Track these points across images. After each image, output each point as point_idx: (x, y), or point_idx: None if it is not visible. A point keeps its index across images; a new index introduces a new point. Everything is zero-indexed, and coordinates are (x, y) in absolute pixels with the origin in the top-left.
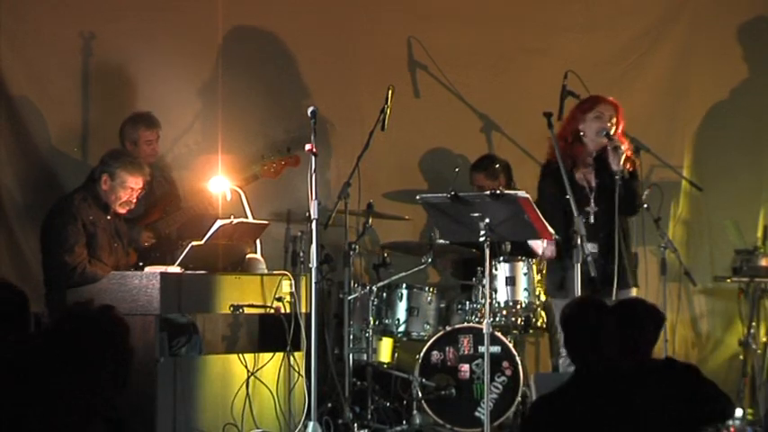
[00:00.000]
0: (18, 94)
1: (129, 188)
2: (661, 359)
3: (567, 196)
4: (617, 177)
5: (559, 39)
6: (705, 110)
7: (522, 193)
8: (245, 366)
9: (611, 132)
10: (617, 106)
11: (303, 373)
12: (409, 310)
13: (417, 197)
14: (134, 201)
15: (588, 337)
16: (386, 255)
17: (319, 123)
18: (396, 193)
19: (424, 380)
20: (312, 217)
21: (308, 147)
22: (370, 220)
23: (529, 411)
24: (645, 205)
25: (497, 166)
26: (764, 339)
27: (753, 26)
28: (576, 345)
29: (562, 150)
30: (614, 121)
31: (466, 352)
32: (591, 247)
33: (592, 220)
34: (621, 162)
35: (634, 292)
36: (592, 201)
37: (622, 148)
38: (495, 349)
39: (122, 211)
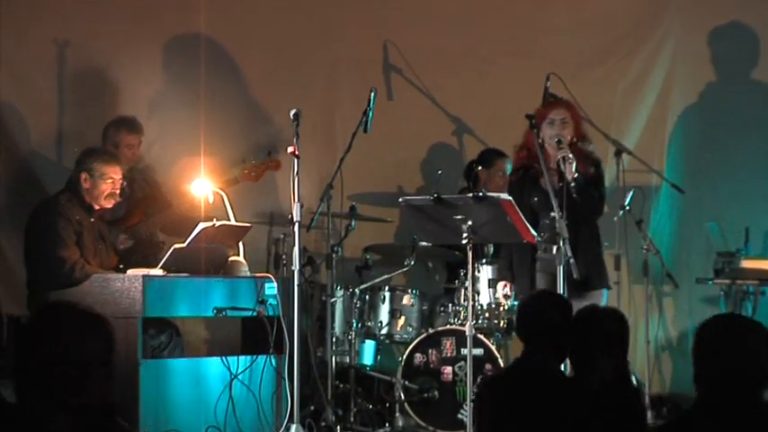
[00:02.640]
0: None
1: (110, 179)
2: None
3: (536, 198)
4: (571, 186)
5: (541, 41)
6: (686, 112)
7: (504, 196)
8: (228, 369)
9: (564, 139)
10: (568, 106)
11: (286, 375)
12: (392, 313)
13: (400, 200)
14: (118, 191)
15: (539, 327)
16: (368, 257)
17: (302, 125)
18: (364, 196)
19: (406, 382)
20: (295, 219)
21: (290, 149)
22: (353, 223)
23: (478, 388)
24: (627, 207)
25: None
26: None
27: (728, 30)
28: (524, 330)
29: (528, 159)
30: (567, 122)
31: (449, 354)
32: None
33: (556, 226)
34: (573, 170)
35: (604, 294)
36: (555, 206)
37: (570, 156)
38: (478, 351)
39: (109, 204)
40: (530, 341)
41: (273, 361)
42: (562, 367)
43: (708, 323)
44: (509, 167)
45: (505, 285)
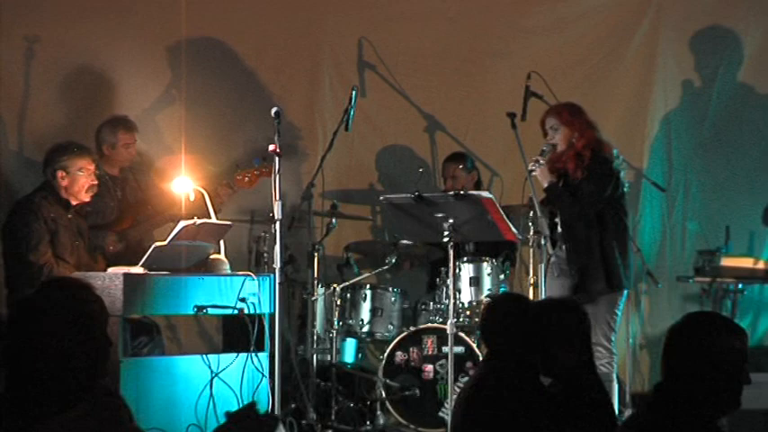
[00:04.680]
0: None
1: (87, 171)
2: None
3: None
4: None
5: (523, 41)
6: (666, 111)
7: (485, 194)
8: (209, 367)
9: (546, 150)
10: (555, 112)
11: (267, 373)
12: (373, 311)
13: (381, 198)
14: (96, 182)
15: (495, 325)
16: (349, 255)
17: (282, 124)
18: (338, 193)
19: (387, 380)
20: (276, 217)
21: (271, 147)
22: (334, 221)
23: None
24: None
25: (470, 162)
26: None
27: (710, 33)
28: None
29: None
30: (556, 128)
31: (430, 352)
32: (559, 251)
33: (559, 229)
34: (544, 177)
35: (605, 297)
36: (537, 206)
37: (536, 169)
38: (459, 350)
39: (87, 198)
40: (489, 345)
41: (254, 359)
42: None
43: (682, 320)
44: (462, 168)
45: None
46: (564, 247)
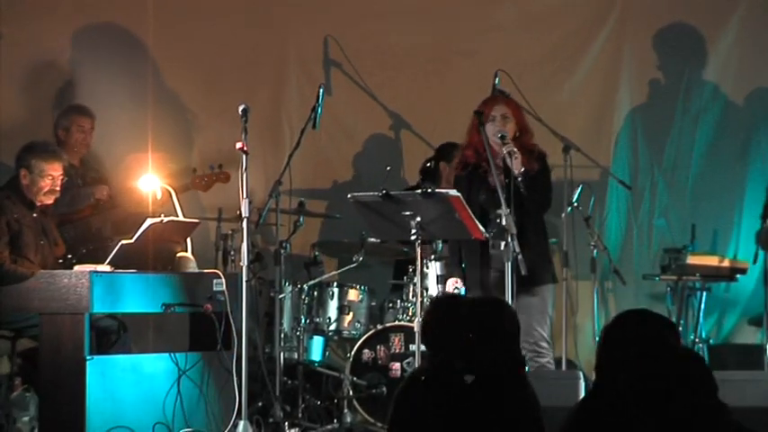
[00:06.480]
0: None
1: (48, 176)
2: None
3: (483, 196)
4: (518, 180)
5: (489, 39)
6: (632, 109)
7: (453, 192)
8: (176, 365)
9: (507, 134)
10: (507, 101)
11: (234, 371)
12: (340, 309)
13: (349, 196)
14: (58, 189)
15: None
16: (317, 253)
17: (249, 122)
18: (303, 191)
19: (355, 378)
20: (243, 215)
21: (238, 145)
22: (301, 219)
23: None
24: (575, 203)
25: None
26: (692, 337)
27: (674, 30)
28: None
29: (475, 157)
30: (507, 117)
31: (397, 350)
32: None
33: (503, 222)
34: (519, 164)
35: (549, 289)
36: (503, 202)
37: (515, 150)
38: None
39: (48, 201)
40: (428, 345)
41: (221, 357)
42: None
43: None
44: None
45: (456, 281)
46: (507, 240)
